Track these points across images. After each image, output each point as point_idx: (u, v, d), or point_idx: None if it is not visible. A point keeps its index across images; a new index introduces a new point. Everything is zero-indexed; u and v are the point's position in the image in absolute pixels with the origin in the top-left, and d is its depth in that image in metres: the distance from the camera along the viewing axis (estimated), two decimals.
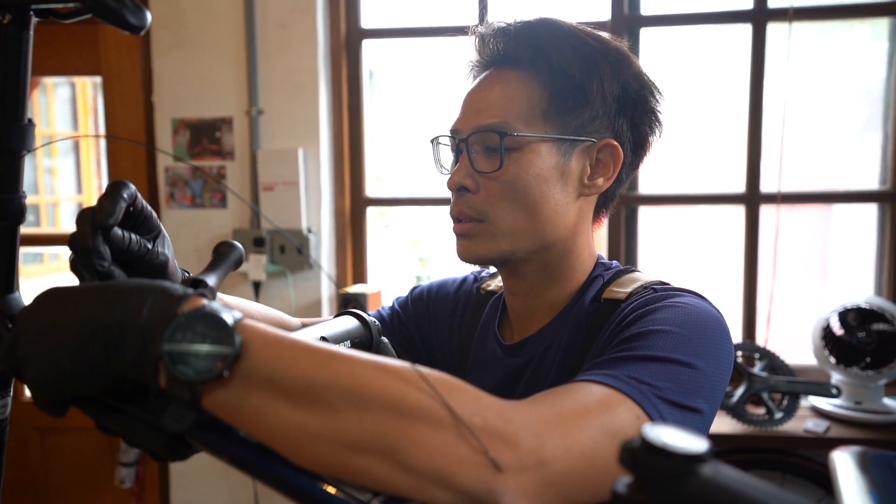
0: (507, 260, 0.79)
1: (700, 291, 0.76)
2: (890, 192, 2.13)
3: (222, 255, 0.58)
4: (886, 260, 2.16)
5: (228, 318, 0.45)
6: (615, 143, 0.79)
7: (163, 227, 0.64)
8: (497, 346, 0.87)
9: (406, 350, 0.99)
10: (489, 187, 0.77)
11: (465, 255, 0.80)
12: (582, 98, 0.77)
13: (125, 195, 0.56)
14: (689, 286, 0.77)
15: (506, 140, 0.76)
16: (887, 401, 1.96)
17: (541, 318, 0.83)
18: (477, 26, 0.84)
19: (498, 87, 0.79)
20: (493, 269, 1.01)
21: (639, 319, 0.69)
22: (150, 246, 0.61)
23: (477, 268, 0.85)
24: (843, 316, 1.95)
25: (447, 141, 0.85)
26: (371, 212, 2.36)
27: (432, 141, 0.87)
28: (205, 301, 0.47)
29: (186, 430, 0.46)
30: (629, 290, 0.77)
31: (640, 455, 0.33)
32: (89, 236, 0.55)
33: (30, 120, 0.57)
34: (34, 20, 0.55)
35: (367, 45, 2.32)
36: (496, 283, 0.96)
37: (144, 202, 0.60)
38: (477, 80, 0.83)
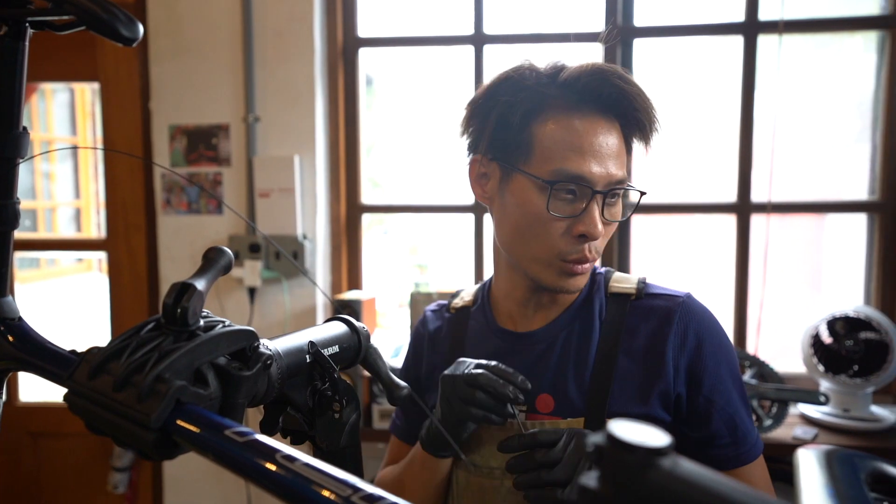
0: None
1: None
2: (878, 202, 2.16)
3: (212, 261, 0.59)
4: (875, 269, 2.19)
5: None
6: None
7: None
8: (504, 340, 0.96)
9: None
10: (606, 232, 0.89)
11: (576, 289, 0.90)
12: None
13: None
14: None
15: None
16: (874, 408, 1.98)
17: (559, 307, 0.95)
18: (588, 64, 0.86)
19: (614, 138, 0.86)
20: (456, 290, 1.10)
21: (719, 349, 0.88)
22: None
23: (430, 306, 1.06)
24: (832, 324, 1.97)
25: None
26: (370, 218, 2.37)
27: (552, 184, 0.84)
28: None
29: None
30: (633, 285, 0.94)
31: (607, 450, 0.35)
32: None
33: (24, 128, 0.58)
34: (30, 31, 0.57)
35: (364, 54, 2.34)
36: (461, 300, 1.05)
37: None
38: (589, 120, 0.84)
